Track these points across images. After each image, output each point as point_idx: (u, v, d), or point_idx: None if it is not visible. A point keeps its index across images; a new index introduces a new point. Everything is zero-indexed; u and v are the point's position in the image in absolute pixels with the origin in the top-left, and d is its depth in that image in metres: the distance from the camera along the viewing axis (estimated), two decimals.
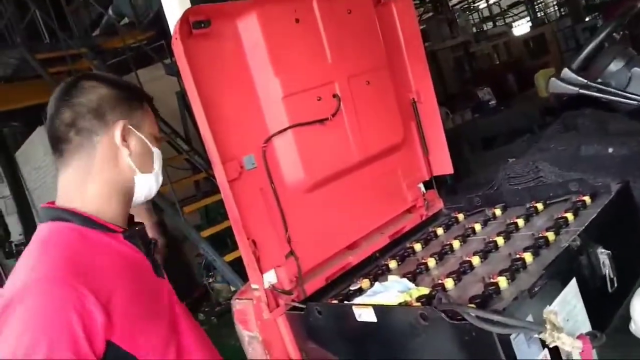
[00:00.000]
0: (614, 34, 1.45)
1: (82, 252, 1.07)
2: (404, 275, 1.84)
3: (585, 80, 1.34)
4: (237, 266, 4.84)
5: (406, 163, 2.45)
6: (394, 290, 1.67)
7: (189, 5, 1.78)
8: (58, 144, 1.16)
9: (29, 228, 8.17)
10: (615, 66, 1.40)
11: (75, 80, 1.18)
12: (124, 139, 1.17)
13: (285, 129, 1.88)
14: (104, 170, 1.16)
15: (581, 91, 1.35)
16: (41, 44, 7.27)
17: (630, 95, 1.33)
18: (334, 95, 2.07)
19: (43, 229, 1.12)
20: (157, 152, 1.25)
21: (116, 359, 1.01)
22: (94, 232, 1.11)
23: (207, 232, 5.69)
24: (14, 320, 0.95)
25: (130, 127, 1.19)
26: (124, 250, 1.14)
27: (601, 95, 1.36)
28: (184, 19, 1.65)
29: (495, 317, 1.21)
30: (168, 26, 1.96)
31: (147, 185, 1.22)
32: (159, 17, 5.96)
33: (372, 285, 1.85)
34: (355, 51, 2.17)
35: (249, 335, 1.89)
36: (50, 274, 1.00)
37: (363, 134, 2.17)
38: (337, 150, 2.09)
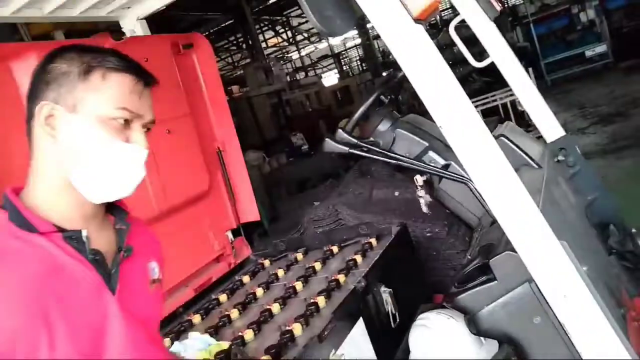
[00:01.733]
0: (382, 98, 1.66)
1: None
2: (207, 330, 1.79)
3: (356, 141, 1.50)
4: None
5: (213, 212, 2.44)
6: (193, 349, 1.61)
7: None
8: None
9: None
10: (383, 127, 1.61)
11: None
12: (48, 123, 0.95)
13: None
14: (39, 160, 0.97)
15: (351, 151, 1.50)
16: None
17: (391, 155, 1.52)
18: None
19: None
20: (102, 133, 0.95)
21: None
22: (16, 228, 0.92)
23: None
24: None
25: (57, 107, 0.94)
26: (51, 252, 0.92)
27: (368, 155, 1.54)
28: None
29: None
30: None
31: (92, 179, 0.96)
32: None
33: (172, 344, 1.76)
34: (153, 99, 2.11)
35: None
36: None
37: (164, 184, 2.10)
38: (133, 200, 1.97)
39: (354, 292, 1.69)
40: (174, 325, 1.97)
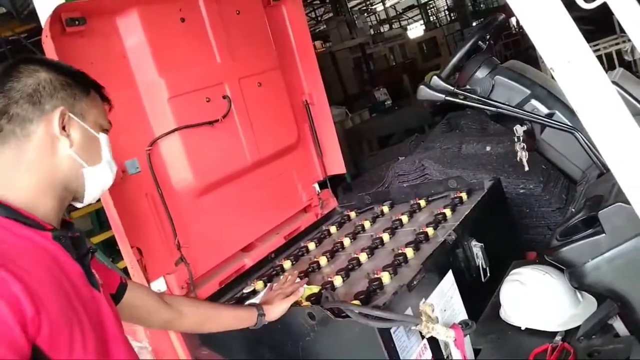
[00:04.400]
0: (480, 43, 1.57)
1: (4, 241, 0.93)
2: (297, 275, 1.87)
3: (453, 88, 1.43)
4: None
5: (301, 164, 2.48)
6: None
7: (61, 0, 1.66)
8: None
9: None
10: (481, 74, 1.53)
11: (12, 64, 1.05)
12: (64, 128, 1.05)
13: (171, 131, 1.83)
14: (38, 161, 1.03)
15: (448, 98, 1.44)
16: None
17: (491, 102, 1.44)
18: (224, 97, 2.04)
19: None
20: (104, 139, 1.12)
21: None
22: (19, 225, 0.97)
23: (98, 238, 5.37)
24: None
25: (72, 115, 1.06)
26: (53, 249, 1.00)
27: (466, 102, 1.47)
28: (56, 16, 1.55)
29: (375, 313, 1.26)
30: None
31: (100, 177, 1.11)
32: None
33: (265, 286, 1.86)
34: (245, 52, 2.16)
35: (138, 345, 1.82)
36: None
37: (256, 135, 2.16)
38: (229, 152, 2.07)
39: (443, 245, 1.67)
40: (267, 270, 2.07)
